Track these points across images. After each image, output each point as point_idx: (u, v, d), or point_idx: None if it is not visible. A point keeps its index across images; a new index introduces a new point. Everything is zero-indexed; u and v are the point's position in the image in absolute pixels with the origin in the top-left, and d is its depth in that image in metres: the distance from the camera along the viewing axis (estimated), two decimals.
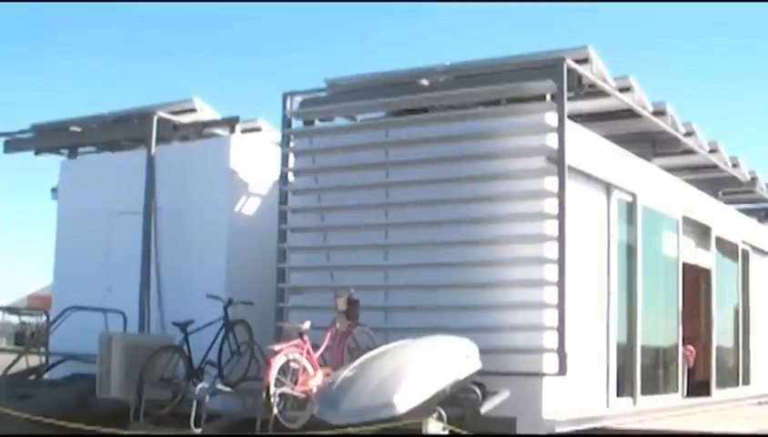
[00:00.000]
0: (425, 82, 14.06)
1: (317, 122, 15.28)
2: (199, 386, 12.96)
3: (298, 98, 14.98)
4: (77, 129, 17.40)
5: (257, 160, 15.90)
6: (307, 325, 12.10)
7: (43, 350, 16.83)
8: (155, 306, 15.62)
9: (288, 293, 14.59)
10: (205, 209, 15.50)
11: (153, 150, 15.90)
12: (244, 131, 16.61)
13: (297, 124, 15.12)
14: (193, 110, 16.70)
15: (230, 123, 16.18)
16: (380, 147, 14.25)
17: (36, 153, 18.34)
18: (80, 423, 11.81)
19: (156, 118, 15.97)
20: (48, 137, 17.98)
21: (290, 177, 14.91)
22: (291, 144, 15.01)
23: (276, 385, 11.42)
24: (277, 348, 11.71)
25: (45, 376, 15.98)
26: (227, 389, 13.43)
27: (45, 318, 17.09)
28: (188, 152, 16.29)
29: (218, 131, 16.55)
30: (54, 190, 18.58)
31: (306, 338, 11.99)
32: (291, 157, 14.98)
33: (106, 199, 16.65)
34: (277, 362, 11.50)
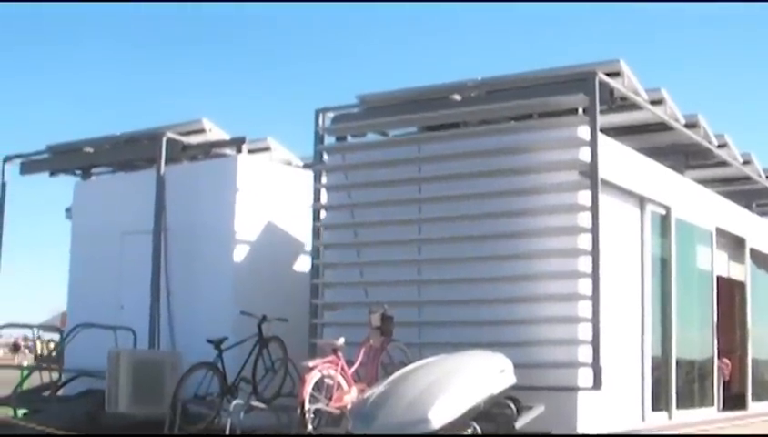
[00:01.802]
0: (457, 97, 14.08)
1: (349, 138, 15.30)
2: (234, 403, 13.00)
3: (331, 114, 15.02)
4: (90, 150, 17.73)
5: (264, 179, 16.13)
6: (341, 341, 12.11)
7: (56, 366, 17.04)
8: (165, 323, 15.81)
9: (323, 309, 14.61)
10: (212, 228, 15.72)
11: (162, 170, 16.16)
12: (253, 151, 16.88)
13: (329, 140, 15.14)
14: (202, 131, 16.92)
15: (237, 143, 16.44)
16: (413, 163, 14.26)
17: (51, 174, 18.65)
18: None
19: (165, 139, 16.22)
20: (62, 158, 18.35)
21: (323, 193, 14.94)
22: (324, 160, 15.04)
23: (310, 401, 11.43)
24: (311, 364, 11.72)
25: (60, 392, 16.24)
26: (262, 405, 13.45)
27: (58, 335, 17.32)
28: (196, 172, 16.57)
29: (227, 151, 16.78)
30: (68, 210, 18.87)
31: (340, 354, 12.00)
32: (324, 175, 15.01)
33: (117, 219, 16.96)
34: (311, 379, 11.51)
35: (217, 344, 14.12)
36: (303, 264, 16.30)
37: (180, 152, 16.57)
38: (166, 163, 16.20)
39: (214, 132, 16.86)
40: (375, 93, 14.87)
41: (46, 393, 16.21)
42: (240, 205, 15.58)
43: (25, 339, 43.37)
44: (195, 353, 14.32)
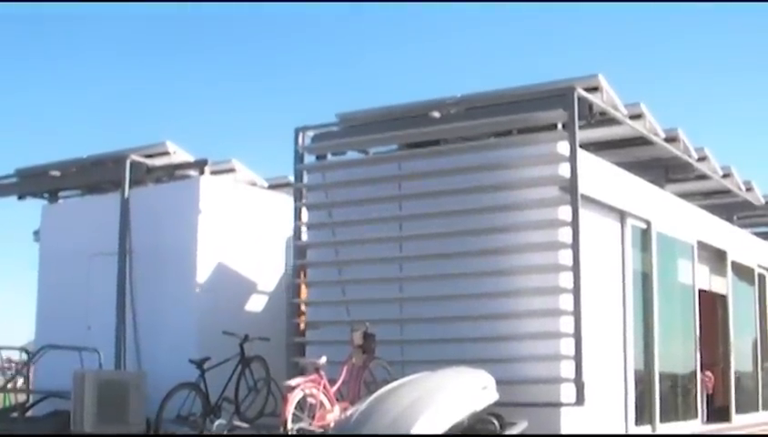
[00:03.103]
0: (436, 114, 14.09)
1: (329, 156, 15.30)
2: (216, 422, 12.97)
3: (310, 133, 15.02)
4: (57, 173, 17.83)
5: (227, 200, 16.26)
6: (323, 360, 12.09)
7: (24, 387, 17.36)
8: (131, 343, 15.89)
9: (304, 328, 14.61)
10: (176, 249, 15.81)
11: (126, 193, 16.33)
12: (217, 172, 17.07)
13: (309, 159, 15.14)
14: (166, 153, 16.97)
15: (200, 165, 16.56)
16: (393, 180, 14.27)
17: (20, 197, 18.68)
18: None
19: (128, 162, 16.33)
20: (30, 182, 18.38)
21: (304, 212, 14.94)
22: (304, 179, 15.04)
23: (293, 420, 11.40)
24: (293, 383, 11.70)
25: (29, 413, 16.27)
26: (245, 425, 13.42)
27: (25, 356, 17.41)
28: (160, 194, 16.71)
29: (191, 173, 16.91)
30: (36, 233, 18.92)
31: (322, 372, 11.98)
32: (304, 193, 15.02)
33: (84, 241, 17.01)
34: (294, 398, 11.48)
35: (199, 364, 14.11)
36: (268, 283, 16.55)
37: (145, 174, 16.71)
38: (130, 185, 16.37)
39: (178, 154, 16.97)
40: (354, 111, 14.88)
41: (14, 415, 16.31)
42: (203, 226, 15.71)
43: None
44: (160, 373, 14.55)
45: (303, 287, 14.93)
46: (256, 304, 16.32)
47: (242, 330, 14.74)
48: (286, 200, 16.94)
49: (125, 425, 14.20)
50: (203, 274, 15.61)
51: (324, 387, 11.90)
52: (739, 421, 18.81)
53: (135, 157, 16.42)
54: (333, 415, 11.71)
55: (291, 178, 17.43)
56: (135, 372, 15.24)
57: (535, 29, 50.60)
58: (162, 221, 16.02)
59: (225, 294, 15.78)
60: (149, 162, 16.69)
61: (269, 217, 16.64)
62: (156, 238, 15.96)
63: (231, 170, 17.36)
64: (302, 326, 14.61)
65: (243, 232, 16.26)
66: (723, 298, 19.20)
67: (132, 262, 16.18)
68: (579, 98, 12.81)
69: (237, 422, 13.33)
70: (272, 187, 17.79)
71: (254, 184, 17.59)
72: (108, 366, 15.44)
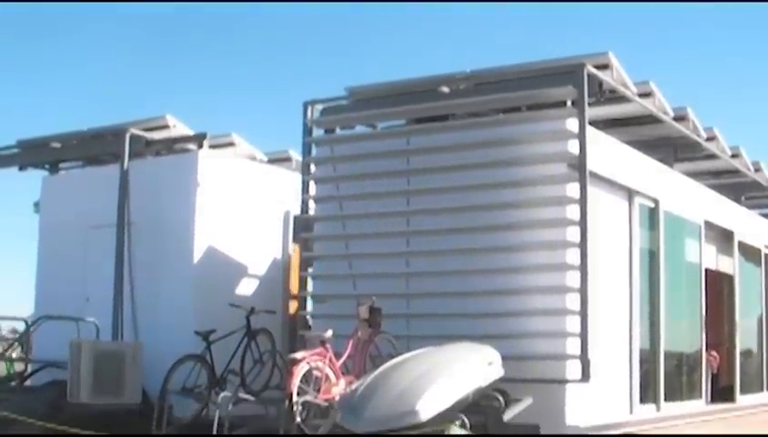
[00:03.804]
0: (445, 89, 14.05)
1: (337, 130, 15.29)
2: (222, 395, 12.99)
3: (319, 107, 15.00)
4: (57, 145, 17.88)
5: (225, 173, 16.26)
6: (329, 333, 12.10)
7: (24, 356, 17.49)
8: (128, 315, 15.93)
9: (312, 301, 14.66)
10: (174, 221, 15.84)
11: (126, 165, 16.29)
12: (217, 146, 17.20)
13: (317, 132, 15.13)
14: (166, 127, 17.06)
15: (198, 139, 16.62)
16: (402, 155, 14.25)
17: (21, 168, 18.72)
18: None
19: (128, 135, 16.35)
20: (31, 153, 18.43)
21: (311, 186, 14.94)
22: (313, 152, 15.03)
23: (299, 393, 11.41)
24: (299, 356, 11.71)
25: (27, 382, 16.38)
26: (250, 397, 13.45)
27: (24, 326, 17.49)
28: (159, 167, 16.71)
29: (190, 146, 16.94)
30: (36, 204, 18.99)
31: (328, 346, 12.00)
32: (312, 166, 15.02)
33: (83, 213, 17.04)
34: (299, 371, 11.49)
35: (204, 336, 14.14)
36: (266, 257, 16.62)
37: (144, 148, 16.75)
38: (130, 158, 16.35)
39: (178, 128, 17.04)
40: (364, 85, 14.84)
41: (13, 384, 16.47)
42: (200, 199, 15.72)
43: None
44: (157, 344, 14.67)
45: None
46: (253, 277, 16.37)
47: (239, 303, 14.79)
48: (285, 174, 17.14)
49: (120, 397, 14.26)
50: (200, 247, 15.65)
51: (330, 360, 11.91)
52: (743, 401, 18.83)
53: (134, 131, 16.47)
54: (338, 389, 11.72)
55: (291, 153, 17.71)
56: (131, 343, 15.28)
57: (545, 6, 50.42)
58: (160, 194, 16.05)
59: (222, 267, 15.85)
60: (148, 135, 16.76)
61: (268, 190, 16.74)
62: (155, 210, 15.99)
63: (231, 144, 17.44)
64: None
65: (241, 205, 16.28)
66: (730, 278, 19.19)
67: (131, 234, 16.21)
68: (588, 75, 12.77)
69: (243, 395, 13.34)
70: (272, 161, 17.86)
71: (254, 158, 17.63)
72: (106, 337, 15.48)
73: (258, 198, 16.59)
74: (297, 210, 15.59)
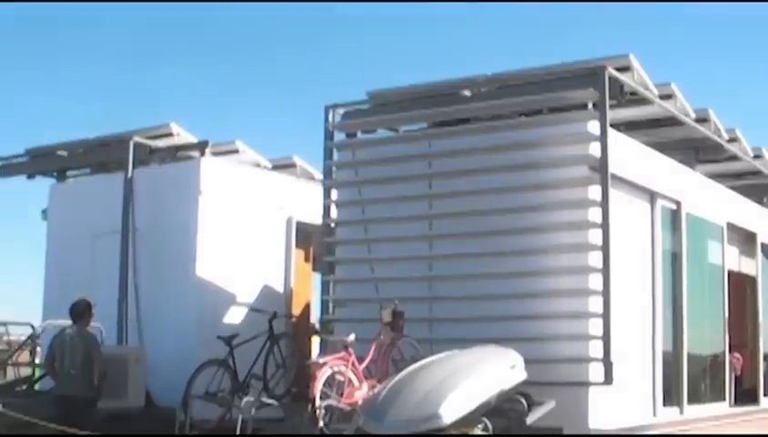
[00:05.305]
0: (467, 92, 14.07)
1: (359, 134, 15.30)
2: (245, 400, 13.03)
3: (340, 111, 15.02)
4: (64, 153, 18.19)
5: (228, 180, 16.46)
6: (352, 337, 12.12)
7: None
8: (133, 320, 16.10)
9: (334, 306, 14.65)
10: (177, 228, 16.01)
11: (130, 173, 16.56)
12: (221, 153, 17.44)
13: (339, 137, 15.15)
14: (170, 135, 17.23)
15: (201, 146, 16.79)
16: (423, 159, 14.25)
17: (29, 177, 18.96)
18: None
19: (132, 143, 16.58)
20: (39, 161, 18.69)
21: (333, 191, 14.96)
22: (334, 156, 15.05)
23: (321, 397, 11.44)
24: (322, 360, 11.73)
25: (36, 387, 16.41)
26: (273, 402, 13.48)
27: (31, 331, 17.65)
28: (163, 174, 16.90)
29: (193, 154, 17.08)
30: (44, 212, 19.14)
31: (351, 350, 12.01)
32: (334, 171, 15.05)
33: (90, 220, 17.27)
34: (322, 375, 11.51)
35: (227, 341, 14.18)
36: (269, 262, 16.72)
37: (148, 155, 16.98)
38: (134, 166, 16.60)
39: (182, 136, 17.23)
40: (385, 89, 14.85)
41: (21, 388, 16.59)
42: (203, 206, 15.88)
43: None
44: (162, 348, 14.90)
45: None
46: (257, 282, 16.46)
47: (242, 311, 14.90)
48: (288, 181, 17.27)
49: (123, 400, 14.31)
50: (204, 253, 15.80)
51: (353, 364, 11.93)
52: (767, 404, 18.75)
53: (138, 139, 16.68)
54: (361, 393, 11.75)
55: (295, 159, 17.84)
56: (135, 348, 15.46)
57: (567, 9, 50.28)
58: (164, 201, 16.26)
59: (225, 273, 15.99)
60: (152, 143, 16.97)
61: (271, 196, 16.90)
62: (159, 217, 16.21)
63: (235, 151, 17.63)
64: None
65: (245, 212, 16.47)
66: (753, 279, 19.12)
67: (135, 241, 16.41)
68: (610, 78, 12.74)
69: (266, 399, 13.38)
70: (276, 167, 17.97)
71: (258, 165, 17.77)
72: (111, 342, 15.58)
73: (262, 204, 16.77)
74: (300, 216, 15.75)
